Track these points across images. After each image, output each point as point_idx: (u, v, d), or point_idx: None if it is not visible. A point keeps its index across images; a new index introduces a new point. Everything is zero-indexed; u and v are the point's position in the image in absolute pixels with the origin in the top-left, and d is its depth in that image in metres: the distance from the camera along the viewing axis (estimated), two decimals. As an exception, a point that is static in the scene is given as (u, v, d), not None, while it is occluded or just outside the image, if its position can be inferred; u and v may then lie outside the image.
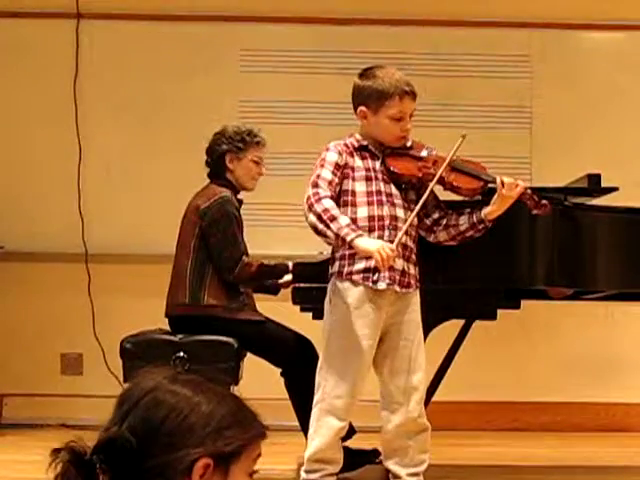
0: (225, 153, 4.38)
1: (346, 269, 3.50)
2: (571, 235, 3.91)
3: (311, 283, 3.85)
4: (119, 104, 5.82)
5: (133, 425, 1.47)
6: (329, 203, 3.41)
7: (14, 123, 5.83)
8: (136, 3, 5.82)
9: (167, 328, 4.35)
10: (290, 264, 4.27)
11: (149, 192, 5.76)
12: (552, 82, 5.88)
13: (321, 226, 3.38)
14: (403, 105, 3.55)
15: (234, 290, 4.28)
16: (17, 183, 5.81)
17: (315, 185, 3.45)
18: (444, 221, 3.62)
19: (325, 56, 5.82)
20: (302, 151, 5.48)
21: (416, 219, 3.54)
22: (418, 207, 3.48)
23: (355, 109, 3.63)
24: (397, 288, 3.51)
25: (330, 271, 3.57)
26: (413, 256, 3.56)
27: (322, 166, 3.51)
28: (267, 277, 4.38)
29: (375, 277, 3.47)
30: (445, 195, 3.70)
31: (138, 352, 4.17)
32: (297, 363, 4.19)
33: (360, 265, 3.48)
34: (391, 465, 3.62)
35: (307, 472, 3.59)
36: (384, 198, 3.53)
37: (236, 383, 4.17)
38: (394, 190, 3.56)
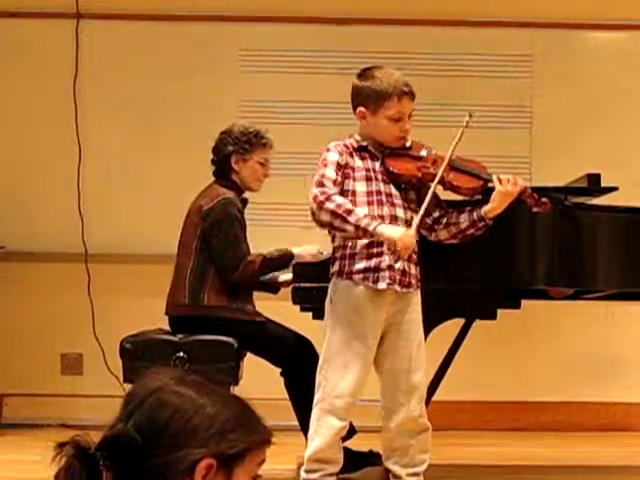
0: (231, 154, 4.36)
1: (347, 269, 3.51)
2: (571, 235, 3.91)
3: (311, 283, 3.84)
4: (119, 104, 5.81)
5: (138, 424, 1.47)
6: (340, 199, 3.42)
7: (14, 123, 5.83)
8: (136, 3, 5.81)
9: (167, 328, 4.35)
10: (295, 250, 4.25)
11: (149, 192, 5.76)
12: (553, 82, 5.88)
13: (337, 222, 3.38)
14: (401, 105, 3.55)
15: (234, 291, 4.27)
16: (17, 183, 5.81)
17: (321, 184, 3.45)
18: (444, 220, 3.62)
19: (325, 56, 5.82)
20: (302, 151, 5.48)
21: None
22: (427, 199, 3.48)
23: (354, 110, 3.63)
24: (397, 288, 3.51)
25: (331, 271, 3.57)
26: (414, 256, 3.56)
27: (325, 166, 3.51)
28: (273, 268, 4.34)
29: (375, 277, 3.48)
30: (446, 195, 3.70)
31: (138, 352, 4.17)
32: (297, 363, 4.18)
33: (360, 265, 3.49)
34: (391, 465, 3.62)
35: (307, 472, 3.59)
36: (384, 198, 3.54)
37: (236, 383, 4.17)
38: (394, 190, 3.57)
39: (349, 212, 3.38)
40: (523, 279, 3.88)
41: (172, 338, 4.22)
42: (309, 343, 4.24)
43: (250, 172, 4.39)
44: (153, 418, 1.48)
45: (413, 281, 3.56)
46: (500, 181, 3.50)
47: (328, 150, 3.56)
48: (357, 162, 3.57)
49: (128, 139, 5.81)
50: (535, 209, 3.54)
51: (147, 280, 5.49)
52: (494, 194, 3.52)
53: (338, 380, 3.50)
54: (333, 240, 3.60)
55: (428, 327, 3.66)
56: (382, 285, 3.48)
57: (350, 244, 3.52)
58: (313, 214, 3.48)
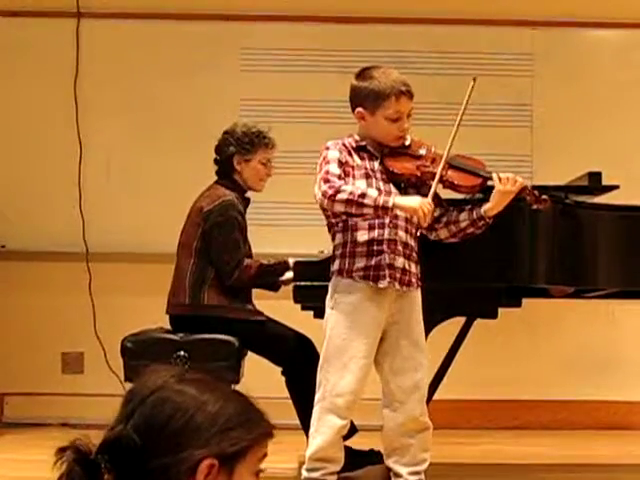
0: (233, 154, 4.36)
1: (347, 267, 3.50)
2: (572, 233, 3.91)
3: (312, 281, 3.85)
4: (120, 103, 5.81)
5: (138, 424, 1.47)
6: (349, 187, 3.43)
7: (14, 123, 5.83)
8: (136, 2, 5.81)
9: (168, 327, 4.35)
10: (290, 261, 4.27)
11: (149, 191, 5.76)
12: (554, 80, 5.87)
13: (354, 209, 3.39)
14: (400, 105, 3.54)
15: (235, 291, 4.27)
16: (18, 182, 5.81)
17: (327, 180, 3.45)
18: (445, 218, 3.62)
19: (326, 55, 5.81)
20: (302, 150, 5.47)
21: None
22: (434, 185, 3.49)
23: (353, 110, 3.62)
24: (398, 286, 3.51)
25: (331, 269, 3.57)
26: (414, 254, 3.56)
27: (327, 163, 3.51)
28: (267, 277, 4.38)
29: (376, 275, 3.48)
30: (446, 194, 3.69)
31: (139, 351, 4.17)
32: (298, 362, 4.19)
33: (361, 263, 3.49)
34: (392, 464, 3.62)
35: (308, 470, 3.59)
36: (384, 197, 3.54)
37: (237, 382, 4.17)
38: (393, 189, 3.56)
39: (363, 196, 3.39)
40: (524, 278, 3.88)
41: (173, 337, 4.22)
42: (310, 342, 4.24)
43: (252, 172, 4.39)
44: (154, 417, 1.47)
45: (413, 279, 3.56)
46: (500, 180, 3.50)
47: (327, 148, 3.56)
48: (357, 160, 3.57)
49: (129, 138, 5.81)
50: (535, 206, 3.54)
51: (148, 279, 5.50)
52: (494, 193, 3.52)
53: (339, 379, 3.50)
54: (333, 238, 3.60)
55: (429, 326, 3.66)
56: (383, 283, 3.48)
57: (350, 242, 3.52)
58: (325, 210, 3.51)
